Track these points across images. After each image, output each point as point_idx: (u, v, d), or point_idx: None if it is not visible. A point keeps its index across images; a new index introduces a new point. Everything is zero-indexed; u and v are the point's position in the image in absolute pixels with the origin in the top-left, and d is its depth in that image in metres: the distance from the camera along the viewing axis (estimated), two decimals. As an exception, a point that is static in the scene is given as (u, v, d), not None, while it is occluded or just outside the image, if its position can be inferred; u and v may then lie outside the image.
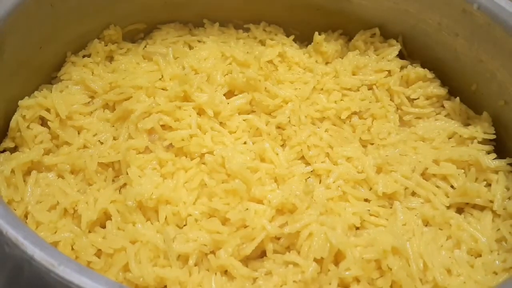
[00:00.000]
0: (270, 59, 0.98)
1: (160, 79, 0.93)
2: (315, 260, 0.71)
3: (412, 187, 0.84)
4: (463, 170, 0.87)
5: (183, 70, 0.93)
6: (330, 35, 1.07)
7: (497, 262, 0.76)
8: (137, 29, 1.05)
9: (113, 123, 0.88)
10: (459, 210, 0.84)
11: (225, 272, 0.73)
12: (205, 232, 0.74)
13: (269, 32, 1.09)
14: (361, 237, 0.76)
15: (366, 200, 0.84)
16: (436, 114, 0.97)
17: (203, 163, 0.83)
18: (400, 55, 1.02)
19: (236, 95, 0.92)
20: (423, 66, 0.99)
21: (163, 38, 1.04)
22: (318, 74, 0.97)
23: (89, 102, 0.90)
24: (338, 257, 0.73)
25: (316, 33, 1.02)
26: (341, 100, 0.94)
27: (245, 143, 0.88)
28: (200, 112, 0.89)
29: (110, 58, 1.00)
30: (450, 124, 0.94)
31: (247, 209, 0.75)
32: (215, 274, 0.72)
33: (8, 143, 0.85)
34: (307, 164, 0.87)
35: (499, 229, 0.80)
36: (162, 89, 0.90)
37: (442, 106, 0.98)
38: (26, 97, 0.87)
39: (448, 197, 0.84)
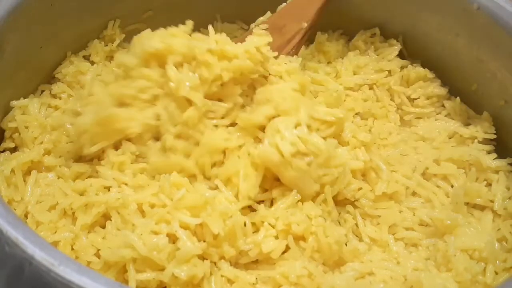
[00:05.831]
0: (270, 58, 0.98)
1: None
2: None
3: (413, 187, 0.84)
4: (463, 170, 0.87)
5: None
6: (330, 35, 1.06)
7: (497, 262, 0.75)
8: (137, 29, 1.05)
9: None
10: (460, 210, 0.84)
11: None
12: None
13: (270, 32, 1.08)
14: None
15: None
16: (437, 114, 0.97)
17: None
18: (401, 55, 1.02)
19: (236, 95, 0.92)
20: (423, 66, 0.99)
21: (163, 38, 1.03)
22: (320, 74, 0.97)
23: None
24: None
25: (319, 32, 1.02)
26: (344, 100, 0.94)
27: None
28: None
29: (110, 58, 1.00)
30: (450, 124, 0.94)
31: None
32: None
33: (8, 143, 0.85)
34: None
35: (499, 229, 0.80)
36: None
37: (443, 106, 0.98)
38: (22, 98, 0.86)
39: (448, 197, 0.84)
